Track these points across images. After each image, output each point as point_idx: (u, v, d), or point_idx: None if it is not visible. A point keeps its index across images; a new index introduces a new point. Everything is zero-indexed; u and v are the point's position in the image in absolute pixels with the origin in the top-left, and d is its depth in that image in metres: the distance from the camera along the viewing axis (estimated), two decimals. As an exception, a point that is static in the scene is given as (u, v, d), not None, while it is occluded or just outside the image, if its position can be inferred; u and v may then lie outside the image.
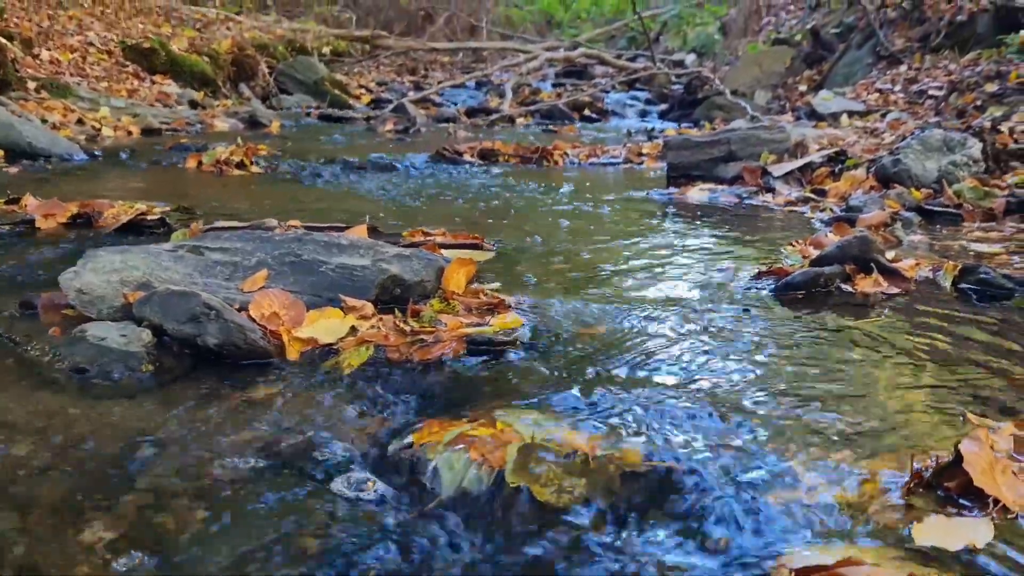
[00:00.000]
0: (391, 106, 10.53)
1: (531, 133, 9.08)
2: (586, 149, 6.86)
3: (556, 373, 1.86)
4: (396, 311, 2.18)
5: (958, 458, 1.29)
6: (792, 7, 16.62)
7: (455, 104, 11.95)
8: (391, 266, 2.33)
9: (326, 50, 14.72)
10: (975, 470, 1.27)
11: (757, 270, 2.72)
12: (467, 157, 6.21)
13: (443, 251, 2.71)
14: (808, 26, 12.63)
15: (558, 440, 1.47)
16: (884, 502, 1.27)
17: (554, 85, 14.91)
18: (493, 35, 21.79)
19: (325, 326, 2.09)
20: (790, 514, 1.24)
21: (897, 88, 8.23)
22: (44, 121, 6.49)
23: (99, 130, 7.03)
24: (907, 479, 1.31)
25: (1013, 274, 2.60)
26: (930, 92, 7.48)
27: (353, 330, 2.09)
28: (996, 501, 1.23)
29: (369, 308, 2.19)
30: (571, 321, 2.22)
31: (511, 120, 10.28)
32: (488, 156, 6.31)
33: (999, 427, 1.44)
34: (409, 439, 1.53)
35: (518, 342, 2.02)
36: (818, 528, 1.21)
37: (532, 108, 10.99)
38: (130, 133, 7.28)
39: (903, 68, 8.75)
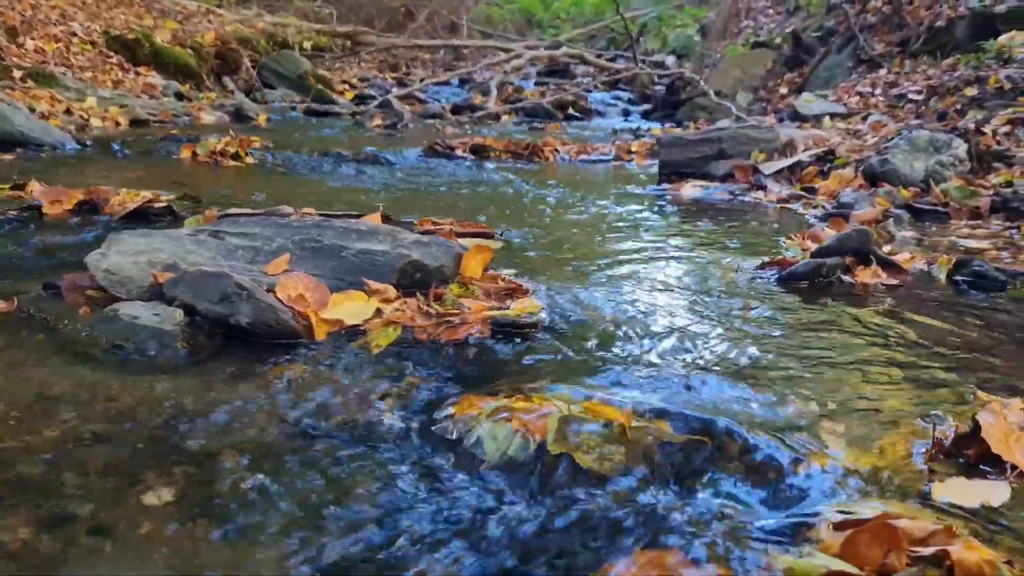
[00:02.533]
0: (376, 102, 10.55)
1: (517, 130, 9.15)
2: (576, 146, 6.94)
3: (580, 353, 1.93)
4: (418, 294, 2.25)
5: (976, 428, 1.38)
6: (771, 11, 16.82)
7: (440, 101, 11.99)
8: (411, 252, 2.39)
9: (307, 45, 14.69)
10: (992, 439, 1.35)
11: (761, 261, 2.81)
12: (459, 152, 6.27)
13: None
14: (787, 30, 12.81)
15: (595, 412, 1.54)
16: (909, 467, 1.36)
17: (536, 84, 14.98)
18: (473, 33, 21.82)
19: (350, 308, 2.15)
20: (825, 476, 1.32)
21: (877, 91, 8.39)
22: (32, 110, 6.46)
23: (87, 120, 7.01)
24: (929, 447, 1.40)
25: (1004, 267, 2.71)
26: (910, 96, 7.64)
27: (378, 312, 2.14)
28: (1013, 467, 1.32)
29: (391, 291, 2.25)
30: (586, 306, 2.30)
31: (496, 117, 10.35)
32: (480, 151, 6.37)
33: (1009, 403, 1.53)
34: (449, 411, 1.60)
35: (540, 324, 2.09)
36: (851, 489, 1.29)
37: (517, 106, 11.06)
38: (118, 124, 7.26)
39: (883, 72, 8.92)
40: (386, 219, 2.93)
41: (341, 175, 5.15)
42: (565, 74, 16.41)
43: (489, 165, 5.98)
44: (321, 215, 2.87)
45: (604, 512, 1.27)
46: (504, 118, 10.35)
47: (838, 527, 1.12)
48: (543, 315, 2.15)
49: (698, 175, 5.14)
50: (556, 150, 6.64)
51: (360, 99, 11.73)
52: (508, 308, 2.17)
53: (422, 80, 14.16)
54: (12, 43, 8.46)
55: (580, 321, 2.17)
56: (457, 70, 16.05)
